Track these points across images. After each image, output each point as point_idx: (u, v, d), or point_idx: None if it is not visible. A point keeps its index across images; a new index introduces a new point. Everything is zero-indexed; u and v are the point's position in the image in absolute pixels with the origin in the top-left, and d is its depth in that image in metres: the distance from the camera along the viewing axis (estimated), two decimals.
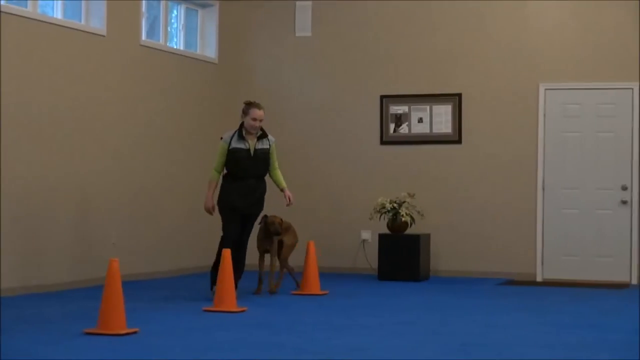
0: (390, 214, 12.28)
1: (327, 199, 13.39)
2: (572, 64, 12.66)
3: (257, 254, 10.15)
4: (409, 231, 12.48)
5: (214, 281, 9.30)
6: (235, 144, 9.50)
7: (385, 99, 13.16)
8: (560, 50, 12.67)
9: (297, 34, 13.48)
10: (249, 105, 9.61)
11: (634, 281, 12.17)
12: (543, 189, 12.67)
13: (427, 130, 13.09)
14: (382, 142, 13.20)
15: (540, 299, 10.60)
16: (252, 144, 9.60)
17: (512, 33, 12.81)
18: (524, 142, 12.74)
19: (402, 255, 12.26)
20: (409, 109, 13.12)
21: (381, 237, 12.36)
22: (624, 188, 12.34)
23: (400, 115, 13.14)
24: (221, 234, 9.81)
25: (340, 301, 10.04)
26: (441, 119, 13.06)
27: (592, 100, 12.56)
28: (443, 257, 12.99)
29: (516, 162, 12.78)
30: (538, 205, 12.63)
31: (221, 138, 9.70)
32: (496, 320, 8.78)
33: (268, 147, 9.74)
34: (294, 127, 13.44)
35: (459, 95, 12.89)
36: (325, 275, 11.93)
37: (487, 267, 12.83)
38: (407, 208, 12.34)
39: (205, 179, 10.09)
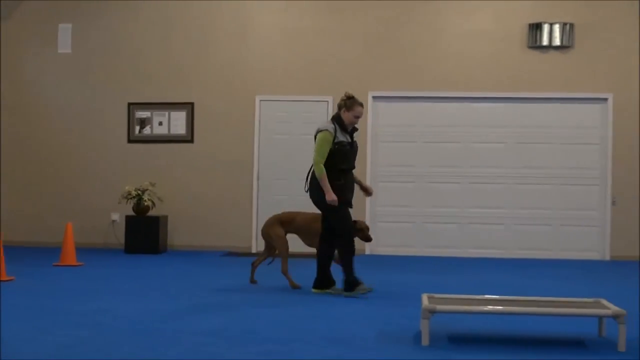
0: (135, 199, 13.10)
1: (84, 187, 14.03)
2: (282, 81, 13.83)
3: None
4: (150, 213, 13.36)
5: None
6: (340, 137, 8.53)
7: (132, 106, 13.95)
8: (272, 69, 13.81)
9: (59, 51, 14.06)
10: (352, 100, 8.61)
11: None
12: (258, 179, 13.80)
13: (166, 132, 13.91)
14: (129, 141, 13.98)
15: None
16: (350, 135, 8.71)
17: (234, 54, 13.85)
18: (244, 142, 13.84)
19: (144, 232, 13.01)
20: (152, 114, 13.91)
21: (128, 218, 13.07)
22: None
23: (144, 119, 13.90)
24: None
25: (92, 271, 10.53)
26: (177, 122, 13.88)
27: (296, 109, 13.76)
28: (178, 234, 13.84)
29: (237, 158, 13.85)
30: (254, 192, 13.76)
31: (319, 131, 8.54)
32: (222, 283, 9.50)
33: (356, 140, 8.85)
34: (56, 129, 14.05)
35: (192, 104, 13.82)
36: (82, 250, 12.82)
37: (214, 242, 13.83)
38: (149, 194, 13.25)
39: None
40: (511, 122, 13.70)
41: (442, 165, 13.72)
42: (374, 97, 13.85)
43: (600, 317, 6.65)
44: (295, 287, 9.13)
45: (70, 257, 11.24)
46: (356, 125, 8.79)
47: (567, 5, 13.58)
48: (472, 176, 13.57)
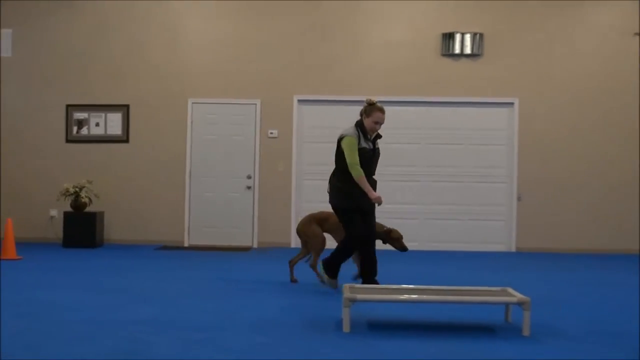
0: (73, 196, 12.90)
1: (24, 184, 13.76)
2: (212, 84, 13.75)
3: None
4: (88, 209, 13.08)
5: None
6: (363, 144, 8.07)
7: (70, 107, 13.71)
8: (203, 73, 13.74)
9: (1, 55, 13.78)
10: (372, 106, 8.12)
11: (254, 245, 13.56)
12: (190, 177, 13.70)
13: (103, 132, 13.70)
14: (67, 141, 13.74)
15: (187, 259, 11.40)
16: (372, 142, 8.23)
17: (167, 59, 13.74)
18: (177, 142, 13.74)
19: (82, 228, 12.81)
20: (89, 116, 13.70)
21: (66, 214, 12.87)
22: (249, 177, 13.63)
23: (82, 120, 13.69)
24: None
25: (31, 264, 10.39)
26: (114, 123, 13.67)
27: (226, 112, 13.68)
28: (114, 229, 13.68)
29: (171, 157, 13.73)
30: (186, 190, 13.67)
31: (342, 136, 8.06)
32: (156, 275, 9.40)
33: (379, 146, 8.34)
34: None
35: (128, 106, 13.65)
36: (21, 245, 12.61)
37: (148, 236, 13.71)
38: (86, 191, 13.02)
39: None
40: (425, 124, 13.81)
41: None
42: (299, 101, 13.84)
43: (506, 304, 6.72)
44: (323, 282, 8.52)
45: (10, 251, 11.09)
46: (380, 132, 8.29)
47: (477, 16, 13.75)
48: (389, 174, 13.61)
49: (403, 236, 8.70)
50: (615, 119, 13.74)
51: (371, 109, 8.08)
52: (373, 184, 8.25)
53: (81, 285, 8.59)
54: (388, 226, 8.90)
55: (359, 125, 8.15)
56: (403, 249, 8.58)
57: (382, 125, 8.23)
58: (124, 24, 13.91)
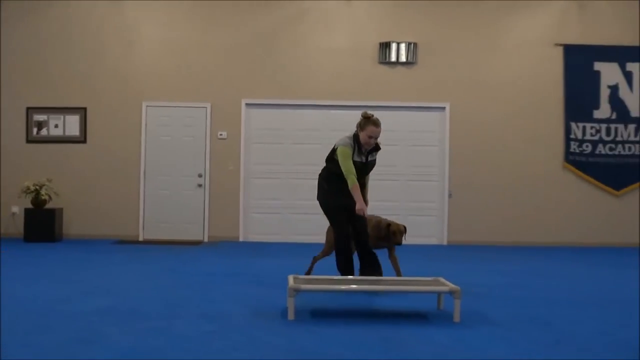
0: (34, 194, 12.77)
1: None
2: (165, 88, 13.62)
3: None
4: (48, 206, 12.97)
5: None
6: (355, 157, 7.59)
7: (30, 110, 13.49)
8: (156, 78, 13.62)
9: None
10: (367, 120, 7.57)
11: (205, 239, 13.45)
12: (144, 175, 13.58)
13: (62, 133, 13.50)
14: (28, 141, 13.48)
15: (141, 253, 11.31)
16: (366, 156, 7.73)
17: (123, 64, 13.60)
18: (132, 142, 13.58)
19: (42, 223, 12.67)
20: (48, 117, 13.49)
21: (27, 210, 12.73)
22: (200, 175, 13.55)
23: (42, 121, 13.48)
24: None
25: None
26: (72, 125, 13.48)
27: (179, 114, 13.57)
28: (73, 224, 13.51)
29: (126, 156, 13.57)
30: (141, 187, 13.53)
31: (337, 147, 7.59)
32: (112, 268, 9.35)
33: (375, 158, 7.85)
34: None
35: (85, 109, 13.51)
36: None
37: (105, 231, 13.53)
38: (46, 189, 12.87)
39: None
40: None
41: (304, 164, 13.73)
42: (247, 104, 13.78)
43: (438, 293, 6.78)
44: (307, 274, 8.27)
45: None
46: (379, 144, 7.79)
47: (412, 27, 13.84)
48: None
49: (403, 231, 7.98)
50: (538, 124, 13.94)
51: (366, 122, 7.54)
52: (362, 188, 7.81)
53: (41, 277, 8.49)
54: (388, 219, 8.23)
55: (355, 137, 7.61)
56: (397, 242, 7.95)
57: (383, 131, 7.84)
58: (82, 30, 13.73)
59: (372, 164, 7.79)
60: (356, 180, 7.43)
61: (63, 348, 5.11)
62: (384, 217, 8.04)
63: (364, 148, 7.61)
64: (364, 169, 7.69)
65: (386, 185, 13.80)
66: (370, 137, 7.51)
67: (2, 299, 6.98)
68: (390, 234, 7.97)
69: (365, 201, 7.84)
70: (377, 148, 7.73)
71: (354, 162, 7.54)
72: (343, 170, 7.49)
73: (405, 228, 8.02)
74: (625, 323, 6.34)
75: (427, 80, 13.86)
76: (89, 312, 6.40)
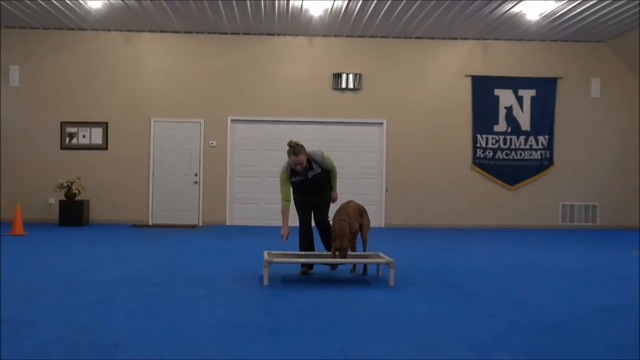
0: (66, 189, 12.49)
1: (29, 179, 13.09)
2: (168, 107, 13.27)
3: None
4: (77, 198, 12.59)
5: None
6: (292, 178, 6.55)
7: (64, 124, 13.12)
8: (161, 99, 13.26)
9: (10, 85, 13.21)
10: (289, 150, 6.41)
11: (200, 223, 13.15)
12: (152, 175, 13.28)
13: (88, 142, 13.13)
14: (62, 148, 13.12)
15: (150, 234, 11.07)
16: (304, 174, 6.57)
17: (135, 87, 13.23)
18: (143, 149, 13.20)
19: (72, 212, 12.38)
20: (78, 130, 13.12)
21: (61, 202, 12.43)
22: (196, 175, 13.24)
23: (72, 133, 13.12)
24: None
25: (34, 239, 9.98)
26: (96, 135, 13.10)
27: (179, 127, 13.17)
28: (97, 212, 13.16)
29: (138, 160, 13.20)
30: (150, 184, 13.19)
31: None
32: (127, 246, 9.12)
33: (320, 171, 6.58)
34: (9, 141, 13.10)
35: (107, 123, 13.12)
36: (27, 224, 12.12)
37: (122, 217, 13.20)
38: (76, 185, 12.55)
39: None
40: (322, 137, 13.68)
41: (275, 165, 13.47)
42: (232, 120, 13.53)
43: (378, 264, 6.72)
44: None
45: (18, 228, 10.67)
46: (314, 163, 6.53)
47: (358, 61, 13.76)
48: None
49: (351, 236, 6.57)
50: (453, 135, 13.94)
51: (288, 152, 6.41)
52: (322, 198, 6.71)
53: (70, 253, 8.33)
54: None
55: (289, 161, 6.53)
56: (364, 240, 6.87)
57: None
58: (102, 61, 13.39)
59: (317, 178, 6.58)
60: (285, 205, 6.48)
61: (85, 307, 5.02)
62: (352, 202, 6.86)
63: (297, 169, 6.48)
64: (308, 184, 6.57)
65: (339, 182, 13.63)
66: (295, 164, 6.40)
67: (40, 270, 6.84)
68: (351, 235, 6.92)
69: (334, 196, 6.81)
70: (311, 166, 6.53)
71: (296, 182, 6.53)
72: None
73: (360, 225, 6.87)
74: (518, 284, 6.35)
75: (369, 102, 13.77)
76: (106, 279, 6.30)
